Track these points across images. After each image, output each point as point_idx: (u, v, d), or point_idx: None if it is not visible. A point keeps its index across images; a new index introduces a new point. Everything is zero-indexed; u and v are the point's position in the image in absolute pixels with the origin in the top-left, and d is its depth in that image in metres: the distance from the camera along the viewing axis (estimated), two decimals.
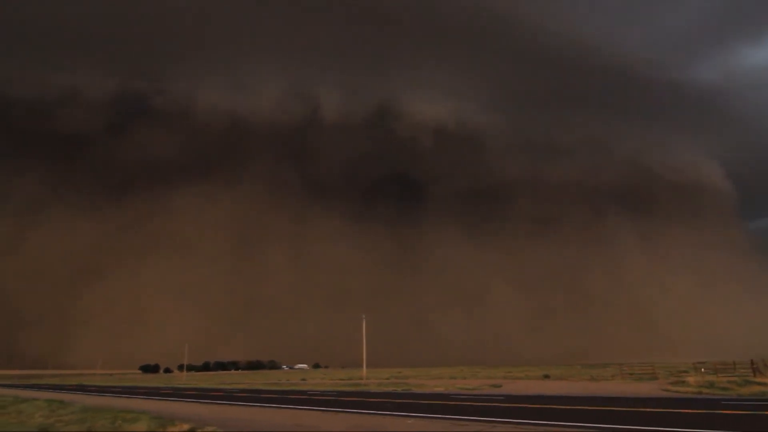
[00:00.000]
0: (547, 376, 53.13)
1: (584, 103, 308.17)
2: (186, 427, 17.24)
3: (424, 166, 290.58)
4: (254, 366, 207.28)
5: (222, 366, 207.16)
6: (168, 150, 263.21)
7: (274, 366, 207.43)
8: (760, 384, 30.33)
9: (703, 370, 45.00)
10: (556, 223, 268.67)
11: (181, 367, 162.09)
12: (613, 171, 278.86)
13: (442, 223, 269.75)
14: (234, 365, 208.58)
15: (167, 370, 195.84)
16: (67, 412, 22.82)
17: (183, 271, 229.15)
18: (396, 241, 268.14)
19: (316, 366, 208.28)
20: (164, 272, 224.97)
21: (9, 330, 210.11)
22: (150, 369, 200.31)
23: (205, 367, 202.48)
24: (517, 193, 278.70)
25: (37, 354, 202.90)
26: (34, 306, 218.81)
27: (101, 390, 53.39)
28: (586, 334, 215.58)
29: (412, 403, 25.46)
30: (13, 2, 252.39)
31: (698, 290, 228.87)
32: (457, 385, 42.23)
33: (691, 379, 36.50)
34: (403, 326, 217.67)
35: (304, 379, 71.56)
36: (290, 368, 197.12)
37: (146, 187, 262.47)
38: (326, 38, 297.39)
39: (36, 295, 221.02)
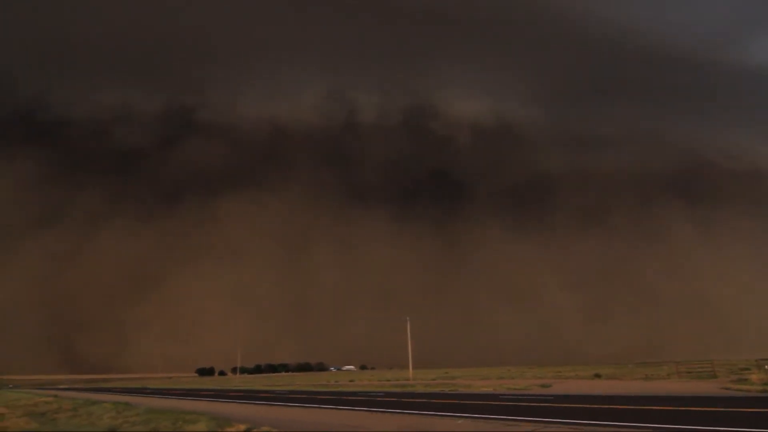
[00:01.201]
0: (598, 376, 51.61)
1: (629, 90, 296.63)
2: (242, 427, 18.06)
3: (464, 163, 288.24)
4: (303, 368, 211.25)
5: (273, 368, 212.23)
6: (215, 160, 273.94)
7: (322, 368, 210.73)
8: None
9: (766, 367, 42.60)
10: (604, 216, 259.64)
11: (234, 370, 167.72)
12: (663, 159, 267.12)
13: (486, 220, 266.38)
14: (284, 367, 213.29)
15: (221, 373, 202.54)
16: (132, 414, 24.22)
17: (234, 275, 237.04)
18: (440, 240, 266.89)
19: (363, 367, 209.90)
20: (216, 277, 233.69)
21: (73, 336, 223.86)
22: (206, 372, 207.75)
23: (257, 370, 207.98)
24: (561, 186, 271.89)
25: (98, 359, 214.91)
26: (95, 313, 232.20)
27: (162, 392, 56.02)
28: (640, 330, 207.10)
29: (461, 404, 25.49)
30: (66, 31, 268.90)
31: (760, 282, 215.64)
32: (505, 385, 41.75)
33: (754, 377, 34.69)
34: (450, 326, 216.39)
35: (351, 380, 72.50)
36: (338, 369, 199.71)
37: (197, 196, 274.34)
38: (360, 41, 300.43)
39: (96, 302, 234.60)
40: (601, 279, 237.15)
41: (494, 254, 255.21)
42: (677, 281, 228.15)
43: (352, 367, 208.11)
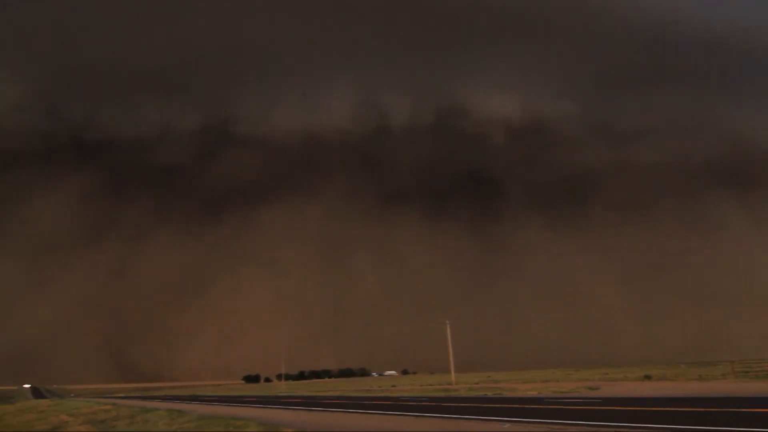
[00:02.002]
0: (648, 377, 49.76)
1: (670, 79, 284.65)
2: (290, 431, 18.63)
3: (497, 162, 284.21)
4: (345, 374, 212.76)
5: (316, 374, 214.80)
6: (252, 170, 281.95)
7: (364, 373, 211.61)
8: None
9: None
10: (648, 210, 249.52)
11: (279, 377, 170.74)
12: (708, 148, 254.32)
13: (523, 219, 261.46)
14: (327, 373, 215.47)
15: (267, 380, 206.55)
16: (185, 420, 25.21)
17: (275, 282, 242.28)
18: (477, 240, 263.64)
19: (405, 372, 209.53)
20: (258, 285, 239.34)
21: (124, 346, 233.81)
22: (252, 379, 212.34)
23: (301, 376, 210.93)
24: (599, 181, 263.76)
25: (149, 368, 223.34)
26: (143, 323, 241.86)
27: (211, 400, 57.80)
28: (692, 328, 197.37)
29: (505, 408, 25.24)
30: (108, 55, 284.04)
31: None
32: (550, 388, 40.91)
33: None
34: (491, 328, 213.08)
35: (393, 385, 72.63)
36: (380, 375, 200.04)
37: (236, 206, 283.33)
38: (389, 45, 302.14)
39: (144, 312, 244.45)
40: (648, 275, 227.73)
41: (534, 253, 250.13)
42: (731, 275, 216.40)
43: (393, 372, 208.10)
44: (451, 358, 65.84)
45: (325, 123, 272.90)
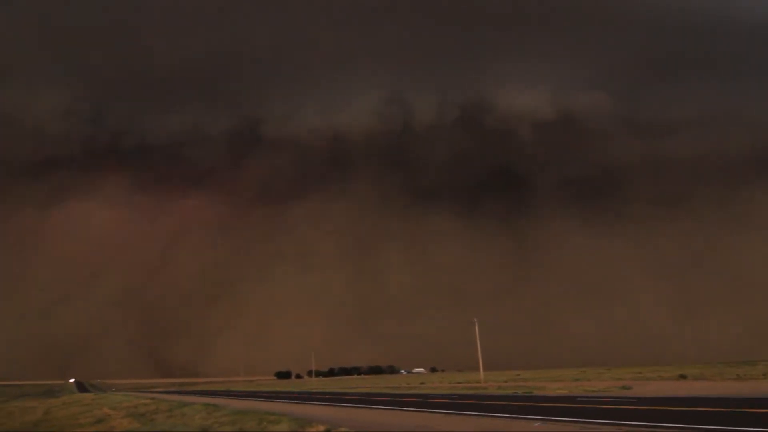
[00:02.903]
0: (683, 377, 48.46)
1: (705, 68, 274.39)
2: (322, 428, 18.98)
3: (526, 157, 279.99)
4: (374, 371, 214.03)
5: (345, 371, 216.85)
6: (281, 170, 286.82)
7: (393, 370, 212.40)
8: None
9: None
10: (685, 204, 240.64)
11: (309, 373, 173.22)
12: (748, 138, 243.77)
13: (554, 215, 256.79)
14: (356, 370, 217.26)
15: (298, 376, 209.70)
16: (220, 415, 26.00)
17: (305, 279, 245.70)
18: (507, 237, 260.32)
19: (433, 369, 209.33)
20: (289, 282, 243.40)
21: (160, 342, 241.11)
22: (283, 375, 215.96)
23: (330, 373, 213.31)
24: (633, 175, 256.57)
25: (184, 363, 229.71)
26: (178, 319, 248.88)
27: (245, 395, 59.19)
28: (734, 326, 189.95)
29: (536, 406, 25.14)
30: (143, 63, 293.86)
31: None
32: (582, 387, 40.37)
33: None
34: (521, 325, 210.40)
35: (422, 383, 72.79)
36: (408, 372, 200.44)
37: (267, 204, 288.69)
38: (412, 41, 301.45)
39: (179, 309, 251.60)
40: (686, 271, 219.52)
41: (566, 249, 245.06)
42: None
43: (422, 369, 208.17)
44: (480, 356, 65.59)
45: (351, 122, 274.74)
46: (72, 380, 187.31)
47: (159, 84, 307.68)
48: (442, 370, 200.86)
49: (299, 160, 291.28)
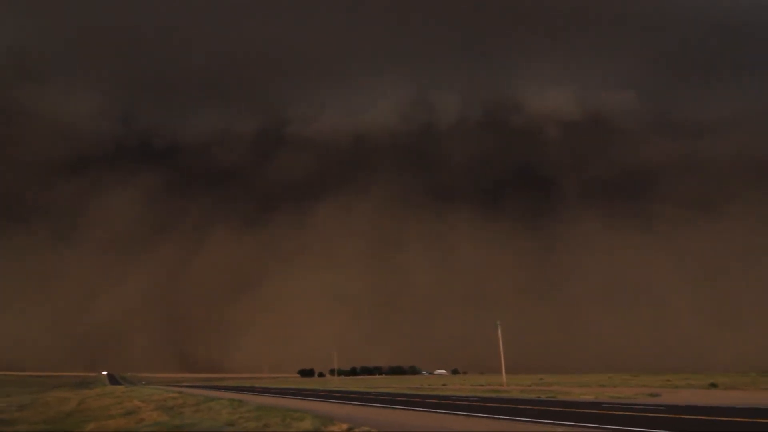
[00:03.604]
0: (714, 385, 47.09)
1: (741, 67, 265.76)
2: (344, 426, 19.24)
3: (551, 157, 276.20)
4: (396, 371, 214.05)
5: (367, 371, 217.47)
6: (305, 170, 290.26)
7: (414, 371, 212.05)
8: None
9: None
10: (720, 206, 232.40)
11: (332, 372, 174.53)
12: None
13: (580, 216, 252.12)
14: (378, 370, 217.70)
15: (320, 374, 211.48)
16: (245, 410, 26.56)
17: (328, 278, 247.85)
18: (532, 238, 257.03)
19: (455, 371, 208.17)
20: (312, 280, 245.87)
21: (186, 338, 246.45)
22: (306, 373, 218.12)
23: (352, 372, 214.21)
24: (663, 177, 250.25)
25: (209, 359, 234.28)
26: (203, 315, 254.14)
27: (269, 391, 60.12)
28: (766, 333, 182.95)
29: (560, 411, 24.87)
30: (172, 67, 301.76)
31: None
32: (607, 393, 39.65)
33: None
34: (546, 328, 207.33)
35: (444, 384, 72.59)
36: (429, 373, 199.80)
37: (291, 203, 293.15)
38: (436, 41, 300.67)
39: (204, 305, 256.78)
40: (719, 276, 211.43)
41: (592, 250, 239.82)
42: None
43: (443, 371, 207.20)
44: (503, 359, 65.00)
45: (374, 122, 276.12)
46: (104, 373, 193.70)
47: (188, 85, 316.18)
48: (464, 372, 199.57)
49: (322, 159, 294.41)
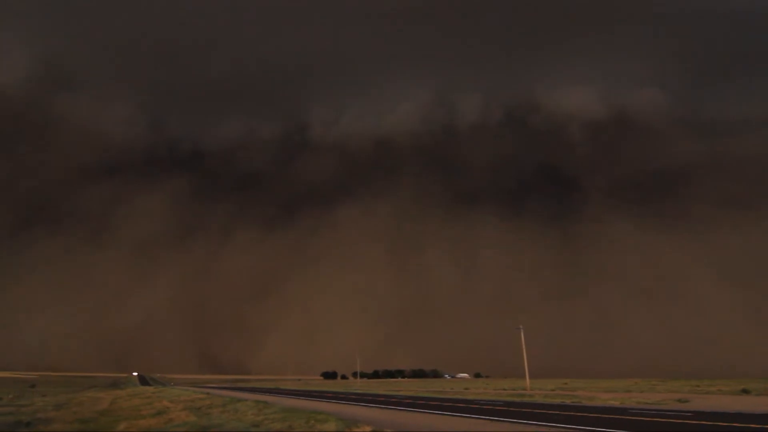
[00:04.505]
0: (746, 391, 45.72)
1: None
2: (368, 429, 19.48)
3: (575, 157, 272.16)
4: (418, 374, 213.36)
5: (389, 374, 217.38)
6: (327, 173, 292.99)
7: (436, 375, 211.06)
8: None
9: None
10: (756, 204, 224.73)
11: (354, 374, 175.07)
12: None
13: (605, 215, 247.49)
14: (400, 373, 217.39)
15: (343, 377, 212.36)
16: (271, 412, 27.04)
17: (350, 280, 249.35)
18: (556, 238, 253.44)
19: (478, 375, 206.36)
20: (334, 282, 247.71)
21: (210, 339, 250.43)
22: (329, 375, 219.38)
23: (375, 375, 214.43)
24: (695, 175, 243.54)
25: (234, 361, 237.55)
26: (227, 317, 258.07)
27: (293, 393, 60.80)
28: None
29: (586, 417, 24.60)
30: (198, 77, 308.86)
31: None
32: (634, 398, 38.93)
33: None
34: (571, 331, 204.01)
35: (467, 388, 72.14)
36: (452, 377, 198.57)
37: (312, 206, 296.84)
38: (456, 44, 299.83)
39: (227, 307, 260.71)
40: (755, 278, 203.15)
41: (618, 251, 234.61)
42: None
43: (465, 375, 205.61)
44: (526, 363, 64.35)
45: (395, 124, 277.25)
46: (135, 374, 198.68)
47: (213, 93, 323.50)
48: (487, 376, 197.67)
49: (344, 162, 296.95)
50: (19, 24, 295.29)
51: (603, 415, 24.88)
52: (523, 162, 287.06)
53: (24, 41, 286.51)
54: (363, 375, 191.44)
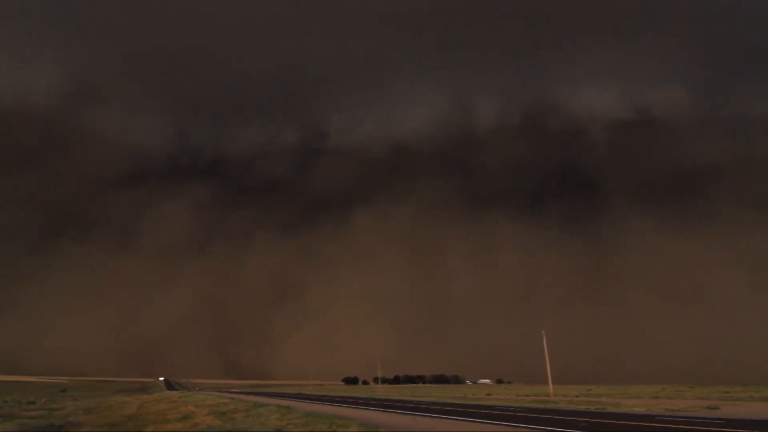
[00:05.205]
0: None
1: None
2: None
3: (596, 158, 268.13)
4: (439, 380, 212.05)
5: (410, 379, 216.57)
6: (344, 179, 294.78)
7: (457, 380, 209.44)
8: None
9: None
10: None
11: (375, 380, 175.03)
12: None
13: (628, 216, 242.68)
14: (421, 379, 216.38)
15: (364, 382, 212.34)
16: (293, 417, 27.31)
17: (369, 284, 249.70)
18: (577, 240, 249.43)
19: (499, 381, 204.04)
20: (353, 286, 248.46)
21: (230, 344, 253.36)
22: (350, 381, 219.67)
23: (396, 380, 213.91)
24: (722, 174, 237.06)
25: (255, 366, 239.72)
26: (247, 322, 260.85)
27: (315, 398, 61.11)
28: None
29: (612, 424, 24.25)
30: (217, 86, 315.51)
31: None
32: (661, 405, 38.14)
33: None
34: (595, 336, 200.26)
35: (488, 394, 71.53)
36: (473, 383, 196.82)
37: (331, 212, 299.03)
38: (472, 47, 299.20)
39: (249, 313, 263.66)
40: None
41: (642, 253, 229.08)
42: None
43: (487, 380, 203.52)
44: (548, 369, 63.45)
45: (412, 129, 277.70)
46: (161, 378, 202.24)
47: (233, 103, 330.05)
48: (508, 382, 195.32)
49: (361, 168, 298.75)
50: (48, 39, 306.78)
51: (629, 422, 24.48)
52: (543, 164, 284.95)
53: (53, 56, 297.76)
54: (384, 380, 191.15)
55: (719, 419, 25.76)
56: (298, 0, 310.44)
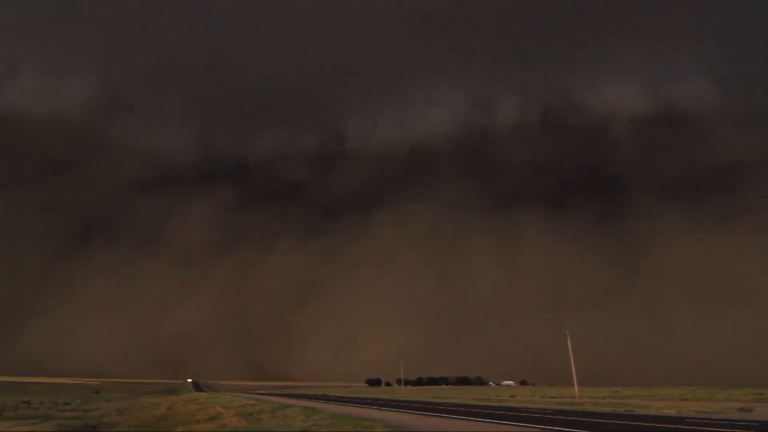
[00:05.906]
0: None
1: None
2: None
3: (620, 154, 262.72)
4: (462, 381, 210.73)
5: (433, 381, 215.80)
6: (364, 180, 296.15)
7: (481, 382, 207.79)
8: None
9: None
10: None
11: (398, 382, 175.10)
12: None
13: (658, 214, 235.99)
14: (444, 380, 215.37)
15: (387, 384, 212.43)
16: (318, 418, 27.67)
17: (391, 285, 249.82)
18: (603, 238, 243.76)
19: (524, 382, 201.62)
20: (374, 287, 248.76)
21: (253, 346, 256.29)
22: (374, 382, 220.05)
23: (419, 382, 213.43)
24: (752, 169, 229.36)
25: (279, 367, 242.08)
26: (269, 324, 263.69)
27: (339, 400, 61.47)
28: None
29: (641, 426, 23.89)
30: (242, 94, 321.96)
31: None
32: (691, 407, 37.28)
33: None
34: (622, 336, 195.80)
35: (512, 396, 70.88)
36: (497, 384, 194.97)
37: (351, 213, 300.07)
38: (491, 45, 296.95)
39: (273, 314, 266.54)
40: None
41: (672, 250, 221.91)
42: None
43: (511, 382, 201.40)
44: (573, 370, 62.64)
45: (431, 129, 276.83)
46: (189, 380, 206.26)
47: (254, 108, 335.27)
48: (533, 384, 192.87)
49: (383, 168, 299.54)
50: (81, 53, 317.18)
51: (657, 425, 24.07)
52: (567, 162, 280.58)
53: (86, 69, 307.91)
54: (407, 382, 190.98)
55: (753, 422, 25.13)
56: (315, 6, 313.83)
